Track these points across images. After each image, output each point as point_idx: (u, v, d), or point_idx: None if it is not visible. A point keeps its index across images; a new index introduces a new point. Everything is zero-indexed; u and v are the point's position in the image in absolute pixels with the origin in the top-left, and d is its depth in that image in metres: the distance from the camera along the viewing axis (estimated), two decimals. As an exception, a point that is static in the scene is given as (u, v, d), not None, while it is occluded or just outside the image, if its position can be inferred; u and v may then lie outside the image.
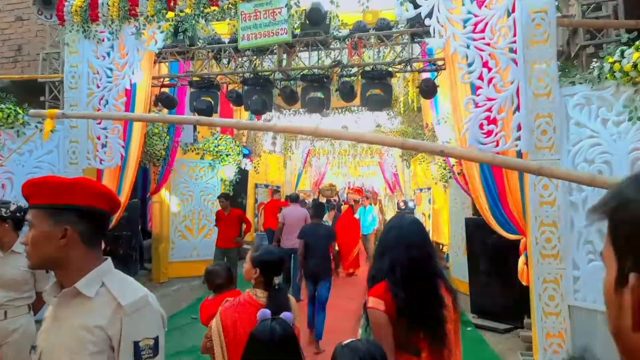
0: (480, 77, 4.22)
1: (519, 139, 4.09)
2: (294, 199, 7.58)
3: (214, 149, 8.67)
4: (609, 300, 0.54)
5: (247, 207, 11.55)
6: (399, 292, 1.63)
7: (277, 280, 2.13)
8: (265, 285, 2.12)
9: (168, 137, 7.80)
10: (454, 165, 6.68)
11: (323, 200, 15.88)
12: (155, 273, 7.87)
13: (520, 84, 4.09)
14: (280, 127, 2.56)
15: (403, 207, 14.11)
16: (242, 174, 9.78)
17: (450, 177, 6.94)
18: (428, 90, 5.29)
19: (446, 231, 11.26)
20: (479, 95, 4.24)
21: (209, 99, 6.01)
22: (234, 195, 9.26)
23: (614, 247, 0.53)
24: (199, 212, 8.47)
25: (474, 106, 4.25)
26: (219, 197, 7.55)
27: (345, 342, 1.48)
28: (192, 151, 8.55)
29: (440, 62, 5.26)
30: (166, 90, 6.47)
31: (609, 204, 0.54)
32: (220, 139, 8.73)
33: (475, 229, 5.75)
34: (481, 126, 4.24)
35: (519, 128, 4.10)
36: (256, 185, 12.50)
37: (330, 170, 20.93)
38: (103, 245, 1.59)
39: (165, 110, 7.55)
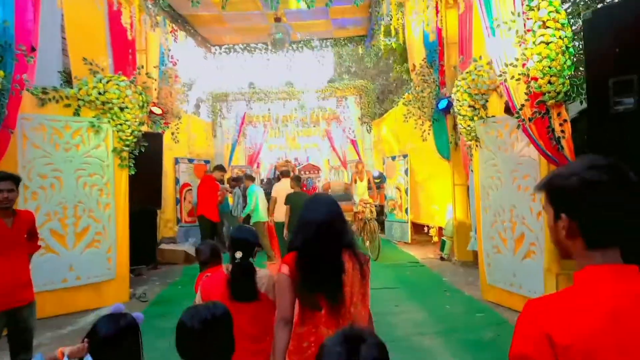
0: None
1: None
2: (285, 174, 7.63)
3: (97, 99, 5.17)
4: (550, 227, 1.04)
5: (165, 190, 8.14)
6: (302, 260, 1.93)
7: (239, 254, 2.27)
8: (230, 260, 2.33)
9: (1, 74, 4.21)
10: (521, 106, 3.91)
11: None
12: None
13: None
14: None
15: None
16: (152, 141, 6.37)
17: (518, 126, 4.13)
18: None
19: (439, 209, 8.73)
20: None
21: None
22: (143, 174, 5.85)
23: (550, 202, 1.02)
24: (74, 206, 5.00)
25: None
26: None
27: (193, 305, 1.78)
28: (56, 101, 4.99)
29: None
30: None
31: (547, 179, 1.02)
32: (108, 83, 5.23)
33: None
34: None
35: None
36: (176, 161, 9.01)
37: (265, 142, 17.58)
38: None
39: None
